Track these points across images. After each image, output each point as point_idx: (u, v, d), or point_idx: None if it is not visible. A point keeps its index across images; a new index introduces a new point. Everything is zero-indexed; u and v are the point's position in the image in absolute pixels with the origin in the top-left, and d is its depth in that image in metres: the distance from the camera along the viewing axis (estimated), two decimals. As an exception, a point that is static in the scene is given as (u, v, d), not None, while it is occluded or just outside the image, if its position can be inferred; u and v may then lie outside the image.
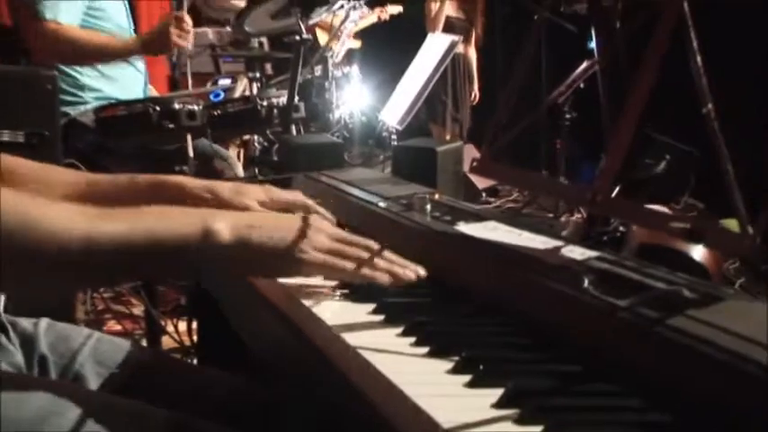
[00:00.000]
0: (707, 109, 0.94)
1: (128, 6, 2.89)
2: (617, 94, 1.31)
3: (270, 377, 1.07)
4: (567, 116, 4.51)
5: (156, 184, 1.12)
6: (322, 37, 4.22)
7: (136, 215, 0.84)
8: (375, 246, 0.97)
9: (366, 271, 0.92)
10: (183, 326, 2.38)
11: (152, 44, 2.68)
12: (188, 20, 2.61)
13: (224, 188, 1.09)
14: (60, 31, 2.56)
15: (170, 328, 2.40)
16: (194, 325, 1.76)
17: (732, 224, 1.38)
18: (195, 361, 2.09)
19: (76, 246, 0.77)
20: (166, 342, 2.41)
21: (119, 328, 2.87)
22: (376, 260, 0.94)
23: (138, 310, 2.74)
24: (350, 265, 0.92)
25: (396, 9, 5.23)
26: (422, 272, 0.96)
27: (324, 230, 0.94)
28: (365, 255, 0.94)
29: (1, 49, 2.87)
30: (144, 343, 2.57)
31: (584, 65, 4.81)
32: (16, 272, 0.78)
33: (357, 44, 4.98)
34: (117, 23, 2.75)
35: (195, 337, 2.01)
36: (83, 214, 0.80)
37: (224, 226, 0.86)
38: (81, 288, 1.75)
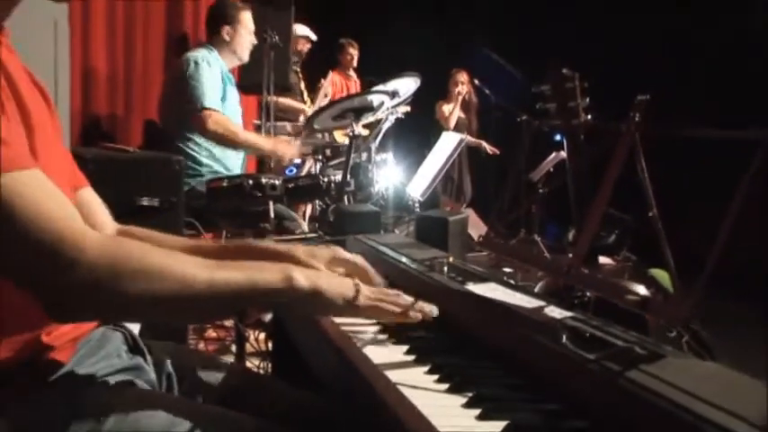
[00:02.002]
0: (653, 213, 0.93)
1: (239, 99, 2.97)
2: (581, 186, 1.30)
3: (327, 393, 1.04)
4: (540, 190, 4.51)
5: (245, 248, 1.08)
6: (339, 138, 4.26)
7: (241, 266, 0.82)
8: (403, 296, 0.93)
9: (397, 317, 0.91)
10: (261, 336, 2.39)
11: (274, 153, 2.81)
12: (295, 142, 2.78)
13: (300, 251, 1.06)
14: (216, 116, 2.63)
15: (252, 338, 2.39)
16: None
17: (657, 273, 1.35)
18: (269, 365, 2.06)
19: (200, 287, 0.76)
20: (248, 347, 2.40)
21: (215, 335, 2.87)
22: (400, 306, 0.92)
23: (229, 322, 2.73)
24: (390, 309, 0.90)
25: (404, 109, 5.20)
26: (435, 311, 0.93)
27: (369, 287, 0.92)
28: (397, 306, 0.91)
29: (151, 139, 2.96)
30: (233, 347, 2.56)
31: (553, 155, 4.75)
32: (158, 307, 0.77)
33: (366, 132, 4.98)
34: (233, 113, 2.81)
35: (270, 345, 2.00)
36: (204, 265, 0.78)
37: (302, 276, 0.84)
38: (200, 320, 1.65)
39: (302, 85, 4.75)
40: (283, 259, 1.03)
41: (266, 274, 0.83)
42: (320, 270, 1.00)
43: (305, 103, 4.66)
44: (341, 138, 4.15)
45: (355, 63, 5.31)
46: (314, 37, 4.78)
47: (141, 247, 0.76)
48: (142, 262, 0.73)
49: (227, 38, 2.81)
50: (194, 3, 4.01)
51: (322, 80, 4.79)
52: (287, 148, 2.75)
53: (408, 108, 5.19)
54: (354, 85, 5.19)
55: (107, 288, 0.71)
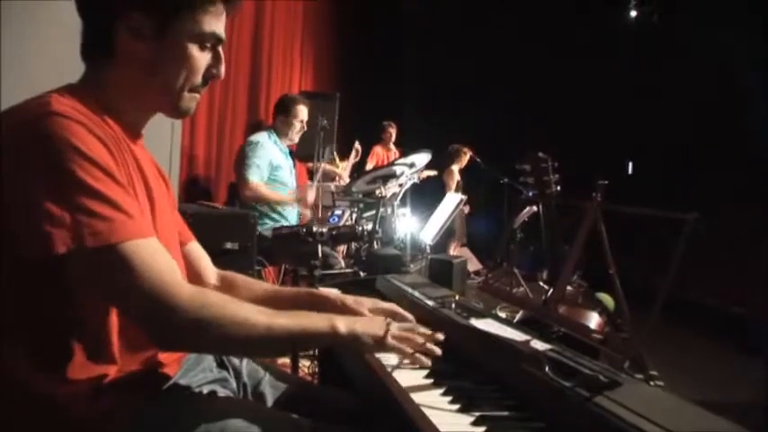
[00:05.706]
0: (612, 270, 0.91)
1: (293, 168, 2.99)
2: (553, 238, 1.29)
3: (363, 396, 1.00)
4: (518, 235, 4.44)
5: (312, 294, 1.07)
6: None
7: (294, 315, 0.82)
8: (420, 327, 0.91)
9: (416, 357, 0.88)
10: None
11: (298, 204, 2.79)
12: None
13: (349, 299, 1.02)
14: (258, 188, 2.66)
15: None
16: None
17: (602, 296, 1.31)
18: (317, 369, 2.01)
19: (261, 331, 0.76)
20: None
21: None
22: (422, 341, 0.89)
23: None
24: (409, 351, 0.87)
25: (431, 173, 5.23)
26: (438, 351, 0.88)
27: (397, 324, 0.90)
28: (420, 340, 0.88)
29: (233, 197, 3.02)
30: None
31: (527, 209, 4.69)
32: (230, 344, 0.78)
33: (398, 189, 4.94)
34: (283, 182, 2.84)
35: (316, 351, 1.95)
36: (265, 313, 0.78)
37: (342, 324, 0.83)
38: (262, 356, 1.54)
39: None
40: (337, 307, 1.02)
41: (315, 321, 0.82)
42: (362, 315, 0.99)
43: (338, 167, 4.71)
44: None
45: (393, 139, 5.34)
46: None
47: (221, 299, 0.77)
48: (221, 311, 0.74)
49: (281, 124, 2.87)
50: (267, 98, 4.15)
51: (354, 149, 4.85)
52: (306, 203, 2.76)
53: (435, 172, 5.18)
54: (393, 155, 5.15)
55: (194, 328, 0.72)
